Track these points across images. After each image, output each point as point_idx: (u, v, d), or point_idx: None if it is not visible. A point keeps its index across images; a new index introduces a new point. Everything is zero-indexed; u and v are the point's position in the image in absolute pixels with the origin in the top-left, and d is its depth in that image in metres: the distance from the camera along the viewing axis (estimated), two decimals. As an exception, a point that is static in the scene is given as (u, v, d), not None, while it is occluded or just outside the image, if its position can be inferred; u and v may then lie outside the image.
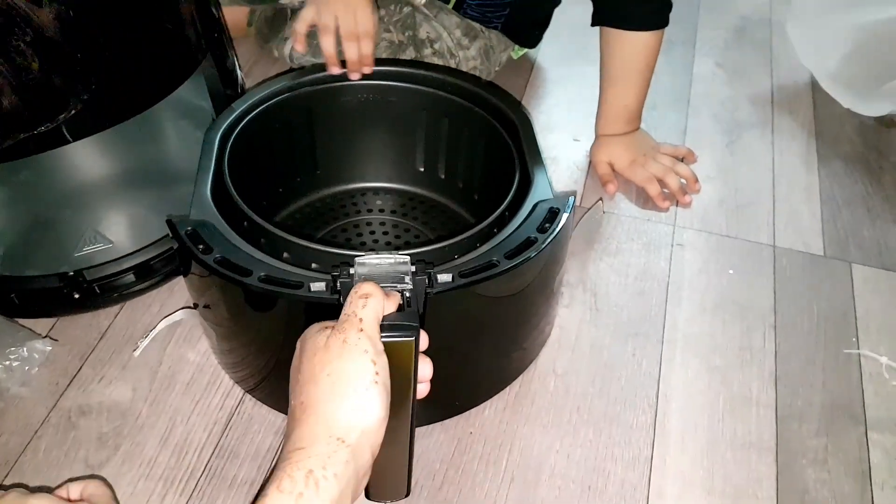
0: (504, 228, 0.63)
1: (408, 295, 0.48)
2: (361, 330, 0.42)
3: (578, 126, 1.02)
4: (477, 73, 1.01)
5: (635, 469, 0.69)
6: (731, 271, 0.86)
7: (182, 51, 0.68)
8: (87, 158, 0.85)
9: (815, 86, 1.11)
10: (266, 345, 0.65)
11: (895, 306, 0.83)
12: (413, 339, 0.44)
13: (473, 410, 0.72)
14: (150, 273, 0.78)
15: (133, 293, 0.78)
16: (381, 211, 0.88)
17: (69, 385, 0.73)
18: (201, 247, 0.60)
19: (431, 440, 0.70)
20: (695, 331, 0.80)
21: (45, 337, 0.77)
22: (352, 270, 0.50)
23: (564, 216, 0.63)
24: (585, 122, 1.01)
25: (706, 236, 0.90)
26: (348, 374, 0.41)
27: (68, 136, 0.63)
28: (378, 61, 0.80)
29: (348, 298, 0.45)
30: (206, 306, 0.66)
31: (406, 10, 0.99)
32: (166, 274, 0.79)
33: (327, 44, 0.77)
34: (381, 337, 0.43)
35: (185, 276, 0.66)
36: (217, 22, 0.73)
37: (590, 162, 0.98)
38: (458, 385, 0.70)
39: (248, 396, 0.73)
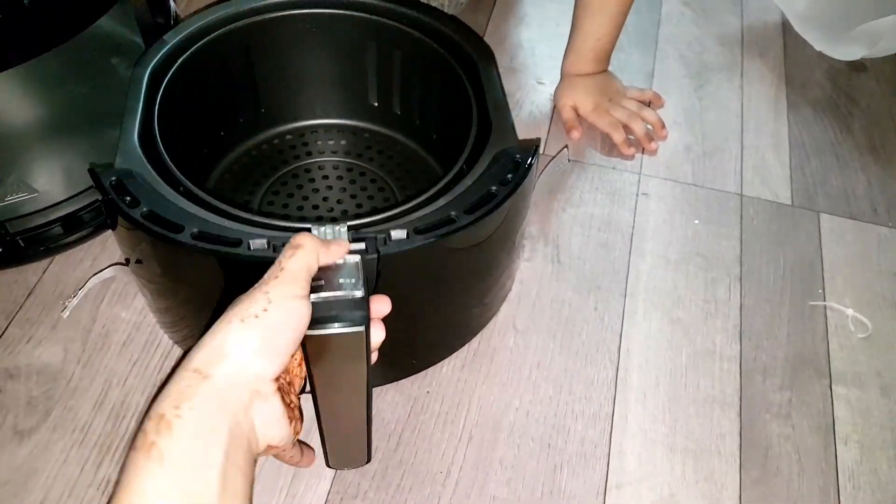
0: (463, 179, 0.59)
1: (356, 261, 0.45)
2: (277, 277, 0.40)
3: (542, 68, 0.97)
4: (446, 4, 0.94)
5: (596, 426, 0.67)
6: (696, 221, 0.83)
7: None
8: (6, 99, 0.77)
9: (786, 27, 1.07)
10: (204, 303, 0.60)
11: (861, 257, 0.81)
12: (363, 329, 0.42)
13: (430, 369, 0.69)
14: (80, 225, 0.72)
15: (61, 246, 0.73)
16: (335, 152, 0.82)
17: (-6, 346, 0.68)
18: (128, 199, 0.54)
19: (386, 401, 0.67)
20: (658, 283, 0.77)
21: (-34, 294, 0.71)
22: (314, 231, 0.47)
23: (528, 167, 0.59)
24: (549, 63, 0.96)
25: (672, 185, 0.86)
26: (233, 310, 0.39)
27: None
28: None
29: (282, 252, 0.42)
30: (137, 262, 0.61)
31: None
32: (97, 226, 0.73)
33: None
34: (326, 327, 0.41)
35: (113, 230, 0.60)
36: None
37: (553, 106, 0.93)
38: (414, 344, 0.67)
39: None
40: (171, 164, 0.59)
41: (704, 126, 0.93)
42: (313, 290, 0.42)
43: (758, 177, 0.88)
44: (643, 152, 0.89)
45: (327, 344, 0.42)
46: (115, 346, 0.69)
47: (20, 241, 0.69)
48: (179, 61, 0.67)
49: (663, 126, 0.89)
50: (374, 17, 0.73)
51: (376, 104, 0.81)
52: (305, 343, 0.42)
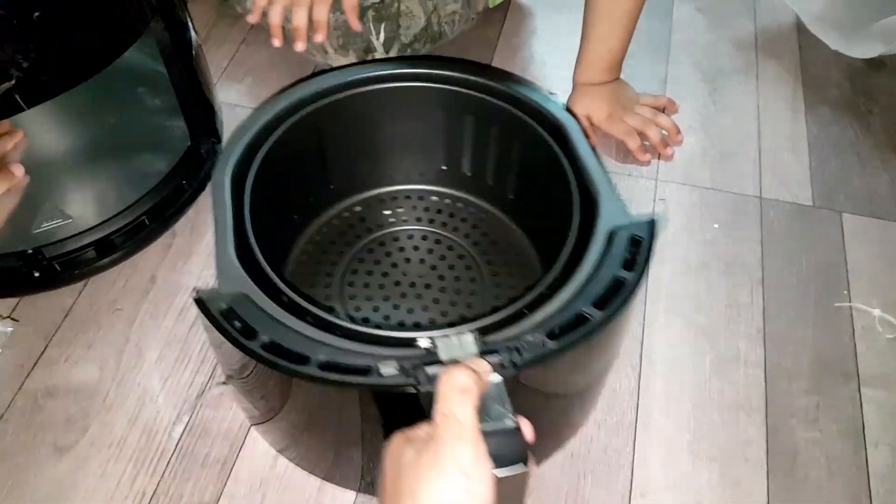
0: (581, 264, 0.53)
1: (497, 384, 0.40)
2: (461, 438, 0.35)
3: (554, 79, 0.98)
4: (456, 19, 0.95)
5: (619, 434, 0.67)
6: (715, 226, 0.83)
7: (128, 11, 0.64)
8: (42, 131, 0.81)
9: (800, 28, 1.06)
10: (322, 429, 0.56)
11: (887, 256, 0.81)
12: (527, 469, 0.37)
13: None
14: (112, 248, 0.75)
15: (95, 269, 0.75)
16: (405, 221, 0.78)
17: (34, 367, 0.71)
18: (240, 326, 0.49)
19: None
20: (679, 289, 0.77)
21: (7, 318, 0.74)
22: (424, 345, 0.45)
23: (650, 247, 0.53)
24: (561, 74, 0.96)
25: (689, 190, 0.86)
26: (423, 485, 0.34)
27: (22, 103, 0.58)
28: (388, 61, 0.71)
29: (440, 391, 0.37)
30: (249, 387, 0.56)
31: None
32: (129, 248, 0.76)
33: (274, 13, 0.72)
34: (493, 470, 0.36)
35: (216, 346, 0.56)
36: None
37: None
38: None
39: (219, 372, 0.70)
40: (276, 278, 0.54)
41: (721, 130, 0.93)
42: None
43: (777, 179, 0.88)
44: (659, 158, 0.89)
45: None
46: (147, 364, 0.71)
47: (56, 266, 0.72)
48: (257, 158, 0.63)
49: (678, 131, 0.90)
50: (443, 87, 0.70)
51: (444, 168, 0.78)
52: None
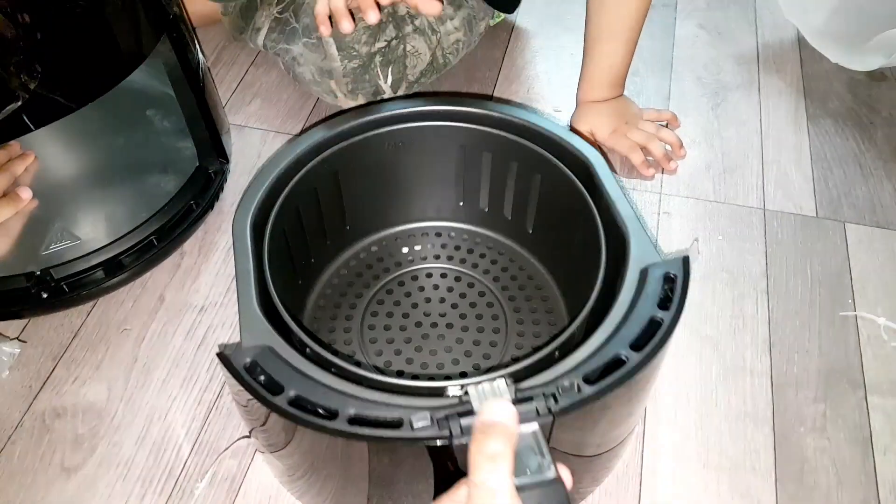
0: (615, 304, 0.51)
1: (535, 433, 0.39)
2: None
3: (559, 97, 0.99)
4: (460, 46, 0.97)
5: (626, 445, 0.67)
6: (720, 237, 0.83)
7: (135, 32, 0.65)
8: (51, 152, 0.82)
9: (801, 42, 1.07)
10: (352, 485, 0.54)
11: (891, 265, 0.81)
12: None
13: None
14: (120, 268, 0.75)
15: (104, 289, 0.76)
16: (423, 259, 0.77)
17: (42, 387, 0.71)
18: (265, 380, 0.47)
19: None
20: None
21: (15, 339, 0.74)
22: (455, 394, 0.44)
23: (685, 285, 0.52)
24: (565, 92, 0.98)
25: (693, 203, 0.87)
26: None
27: (30, 123, 0.60)
28: (405, 99, 0.72)
29: (472, 460, 0.35)
30: (271, 442, 0.54)
31: None
32: (137, 269, 0.77)
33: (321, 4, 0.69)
34: None
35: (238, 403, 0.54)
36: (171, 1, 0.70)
37: (572, 132, 0.95)
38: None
39: (226, 391, 0.70)
40: (299, 330, 0.53)
41: (724, 143, 0.94)
42: None
43: (780, 190, 0.88)
44: (662, 172, 0.90)
45: None
46: (155, 383, 0.71)
47: (64, 287, 0.73)
48: (278, 204, 0.62)
49: (681, 145, 0.90)
50: (460, 125, 0.69)
51: (462, 203, 0.77)
52: None
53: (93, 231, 0.77)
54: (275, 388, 0.46)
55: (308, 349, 0.52)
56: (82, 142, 0.82)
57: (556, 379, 0.46)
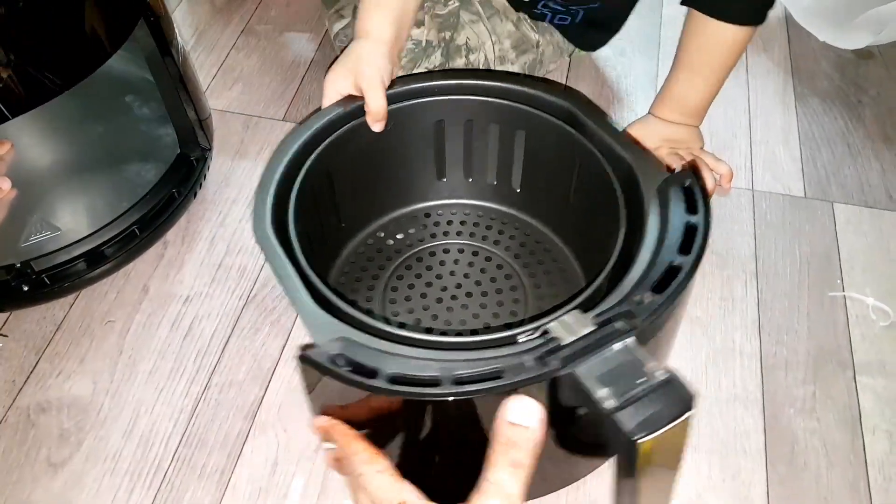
0: (646, 223, 0.53)
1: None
2: None
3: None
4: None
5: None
6: (709, 219, 0.83)
7: (111, 17, 0.63)
8: (29, 142, 0.80)
9: (789, 20, 1.06)
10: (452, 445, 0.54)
11: (879, 245, 0.81)
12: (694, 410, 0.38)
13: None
14: (103, 259, 0.74)
15: (86, 281, 0.75)
16: (445, 235, 0.77)
17: (26, 382, 0.70)
18: (357, 367, 0.47)
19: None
20: (674, 283, 0.77)
21: (-3, 333, 0.73)
22: (528, 338, 0.45)
23: (704, 188, 0.53)
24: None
25: (683, 185, 0.86)
26: None
27: (6, 111, 0.58)
28: (437, 75, 0.70)
29: (494, 458, 0.36)
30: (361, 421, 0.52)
31: (453, 5, 0.86)
32: (120, 259, 0.75)
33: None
34: (660, 427, 0.37)
35: (309, 392, 0.52)
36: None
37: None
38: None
39: (214, 382, 0.70)
40: (360, 314, 0.52)
41: (712, 124, 0.93)
42: (622, 401, 0.40)
43: (769, 171, 0.88)
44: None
45: (661, 443, 0.39)
46: (141, 376, 0.70)
47: (45, 279, 0.72)
48: (298, 185, 0.62)
49: (731, 178, 0.81)
50: (491, 99, 0.69)
51: (471, 179, 0.77)
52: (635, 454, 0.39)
53: (73, 222, 0.76)
54: (370, 373, 0.46)
55: (382, 331, 0.51)
56: (60, 130, 0.80)
57: (625, 298, 0.48)
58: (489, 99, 0.68)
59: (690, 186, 0.54)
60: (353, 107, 0.66)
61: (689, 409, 0.39)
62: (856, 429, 0.67)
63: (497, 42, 0.88)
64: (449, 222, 0.78)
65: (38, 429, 0.67)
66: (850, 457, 0.66)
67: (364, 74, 0.65)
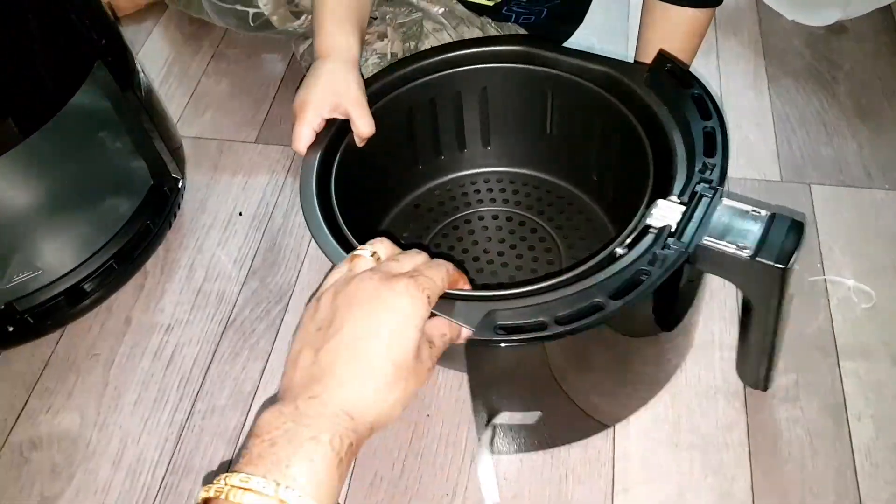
0: (673, 159, 0.59)
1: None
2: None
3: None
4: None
5: (598, 432, 0.67)
6: (684, 211, 0.82)
7: (62, 64, 0.64)
8: (4, 185, 0.82)
9: (758, 2, 1.05)
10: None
11: (858, 224, 0.80)
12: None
13: (429, 390, 0.70)
14: (83, 295, 0.76)
15: (69, 317, 0.76)
16: (479, 203, 0.79)
17: (17, 420, 0.71)
18: (520, 326, 0.50)
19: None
20: (651, 278, 0.77)
21: (-14, 374, 0.75)
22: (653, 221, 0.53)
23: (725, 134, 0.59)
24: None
25: (656, 177, 0.86)
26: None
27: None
28: (487, 42, 0.73)
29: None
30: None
31: (416, 14, 0.86)
32: (100, 294, 0.77)
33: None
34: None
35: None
36: (109, 24, 0.69)
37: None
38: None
39: (197, 409, 0.71)
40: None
41: (685, 113, 0.92)
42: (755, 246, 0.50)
43: (742, 157, 0.87)
44: None
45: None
46: (127, 407, 0.71)
47: (28, 318, 0.73)
48: (339, 154, 0.66)
49: None
50: (552, 71, 0.71)
51: (551, 157, 0.79)
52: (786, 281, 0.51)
53: (53, 260, 0.77)
54: (539, 326, 0.49)
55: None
56: (35, 170, 0.81)
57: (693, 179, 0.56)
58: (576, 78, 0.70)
59: (700, 95, 0.61)
60: (447, 56, 0.70)
61: (803, 227, 0.50)
62: (840, 415, 0.67)
63: None
64: (476, 191, 0.80)
65: (31, 464, 0.68)
66: (835, 444, 0.65)
67: (350, 97, 0.65)
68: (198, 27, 1.08)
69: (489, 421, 0.59)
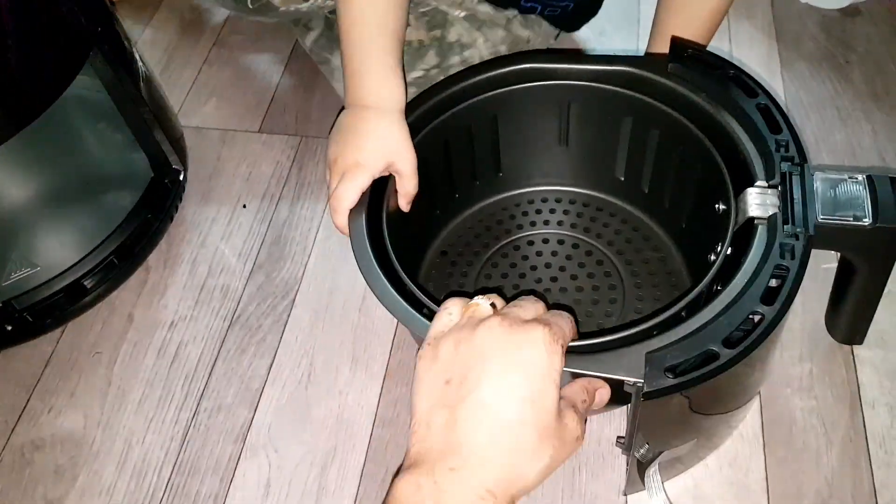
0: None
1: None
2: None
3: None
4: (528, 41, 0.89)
5: (612, 423, 0.66)
6: (696, 199, 0.81)
7: (56, 53, 0.63)
8: (0, 179, 0.80)
9: (771, -15, 1.03)
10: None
11: (873, 210, 0.78)
12: None
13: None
14: (84, 292, 0.74)
15: (70, 314, 0.75)
16: (546, 223, 0.75)
17: (18, 421, 0.70)
18: (689, 360, 0.46)
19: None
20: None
21: (-14, 374, 0.73)
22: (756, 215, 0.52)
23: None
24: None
25: (667, 165, 0.84)
26: None
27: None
28: (576, 56, 0.68)
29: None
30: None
31: (435, 3, 0.83)
32: (102, 290, 0.75)
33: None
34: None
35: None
36: (105, 11, 0.67)
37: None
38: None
39: (203, 407, 0.69)
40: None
41: (695, 99, 0.90)
42: (872, 214, 0.50)
43: (755, 143, 0.85)
44: None
45: None
46: (131, 406, 0.70)
47: (28, 317, 0.72)
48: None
49: None
50: (631, 93, 0.65)
51: (622, 178, 0.74)
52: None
53: (51, 256, 0.75)
54: (708, 358, 0.46)
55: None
56: (33, 163, 0.80)
57: (773, 159, 0.54)
58: (655, 102, 0.64)
59: (736, 74, 0.59)
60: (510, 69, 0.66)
61: None
62: (855, 404, 0.66)
63: (493, 44, 0.85)
64: (551, 210, 0.76)
65: (34, 467, 0.67)
66: (850, 433, 0.64)
67: (405, 160, 0.60)
68: (199, 13, 1.06)
69: (652, 462, 0.55)
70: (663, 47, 0.66)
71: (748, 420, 0.65)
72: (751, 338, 0.46)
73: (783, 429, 0.64)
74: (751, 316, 0.47)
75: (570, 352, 0.42)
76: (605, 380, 0.46)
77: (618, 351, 0.47)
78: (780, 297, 0.48)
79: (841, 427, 0.64)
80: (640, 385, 0.45)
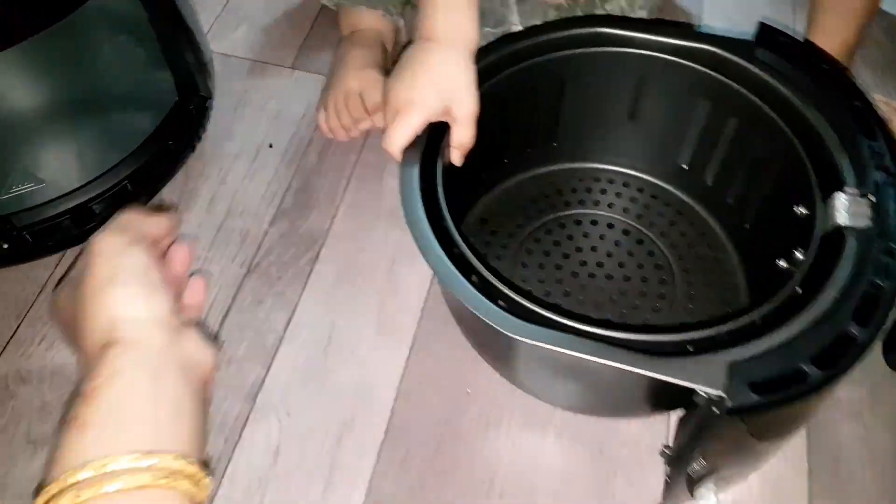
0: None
1: None
2: None
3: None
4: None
5: (651, 428, 0.62)
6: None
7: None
8: (9, 84, 0.72)
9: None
10: None
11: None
12: None
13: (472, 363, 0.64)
14: (91, 217, 0.68)
15: (72, 240, 0.68)
16: (595, 204, 0.70)
17: (5, 348, 0.65)
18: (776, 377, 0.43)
19: (424, 400, 0.62)
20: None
21: (-27, 294, 0.67)
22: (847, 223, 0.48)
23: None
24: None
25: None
26: None
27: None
28: (657, 25, 0.62)
29: None
30: None
31: None
32: (109, 217, 0.68)
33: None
34: None
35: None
36: None
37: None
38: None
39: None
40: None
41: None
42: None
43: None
44: None
45: None
46: (131, 347, 0.64)
47: (27, 236, 0.65)
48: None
49: None
50: (713, 74, 0.60)
51: (686, 167, 0.69)
52: None
53: (59, 174, 0.68)
54: (795, 376, 0.43)
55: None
56: (45, 73, 0.72)
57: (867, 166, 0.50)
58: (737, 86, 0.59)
59: (862, 109, 0.53)
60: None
61: None
62: (905, 434, 0.62)
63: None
64: (602, 191, 0.71)
65: (18, 400, 0.62)
66: (897, 465, 0.61)
67: (464, 102, 0.54)
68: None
69: (704, 478, 0.51)
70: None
71: (793, 443, 0.61)
72: (844, 359, 0.43)
73: (829, 455, 0.61)
74: (843, 332, 0.44)
75: (642, 351, 0.42)
76: (680, 387, 0.42)
77: (697, 357, 0.43)
78: (875, 318, 0.44)
79: (890, 458, 0.61)
80: (721, 399, 0.41)
